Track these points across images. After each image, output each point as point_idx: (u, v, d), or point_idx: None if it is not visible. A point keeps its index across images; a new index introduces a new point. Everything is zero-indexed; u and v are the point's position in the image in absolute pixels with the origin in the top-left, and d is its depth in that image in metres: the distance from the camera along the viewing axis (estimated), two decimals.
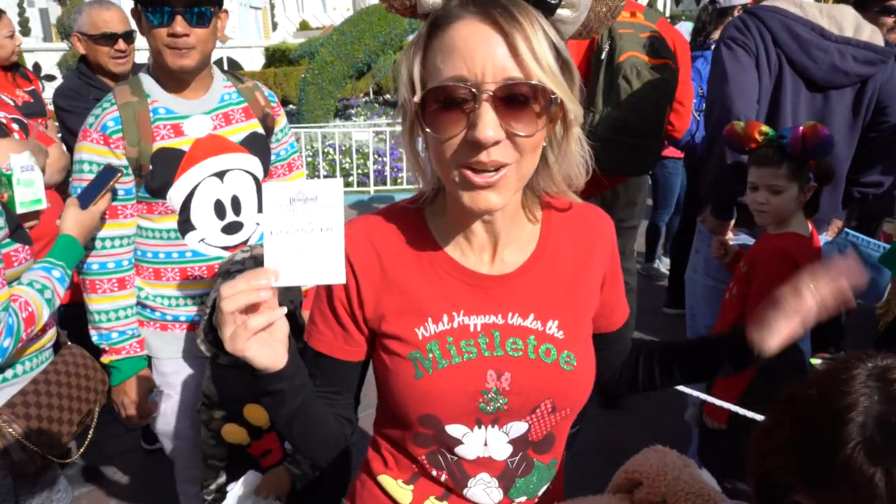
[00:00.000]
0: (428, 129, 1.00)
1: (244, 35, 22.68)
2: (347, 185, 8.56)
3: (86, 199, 1.97)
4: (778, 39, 2.67)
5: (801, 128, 2.31)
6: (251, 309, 0.96)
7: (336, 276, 0.98)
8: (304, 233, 0.97)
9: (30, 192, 2.03)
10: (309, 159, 8.81)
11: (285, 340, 1.02)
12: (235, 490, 1.99)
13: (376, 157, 8.80)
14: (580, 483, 1.37)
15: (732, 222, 2.86)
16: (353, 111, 11.87)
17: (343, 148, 8.88)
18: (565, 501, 1.28)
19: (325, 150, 8.99)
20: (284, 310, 0.99)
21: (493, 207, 1.02)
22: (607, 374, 1.35)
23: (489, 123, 0.94)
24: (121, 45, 3.31)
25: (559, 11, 1.01)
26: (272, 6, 27.78)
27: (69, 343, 2.05)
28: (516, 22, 0.94)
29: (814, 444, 0.84)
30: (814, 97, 2.73)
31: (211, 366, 2.17)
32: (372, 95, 14.39)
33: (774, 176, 2.38)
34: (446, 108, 0.97)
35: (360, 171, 8.78)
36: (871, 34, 2.68)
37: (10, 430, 1.75)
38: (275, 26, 27.13)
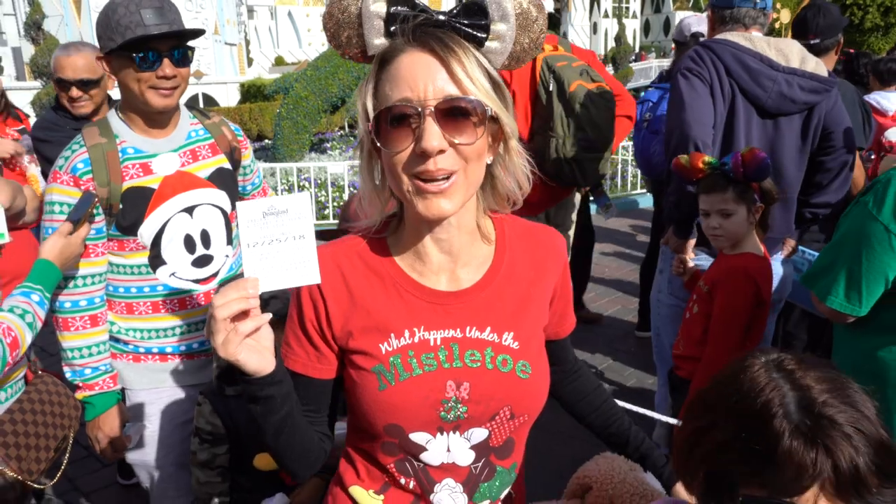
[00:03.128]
0: (382, 147, 1.11)
1: (220, 71, 22.80)
2: (323, 217, 8.64)
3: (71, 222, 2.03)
4: (730, 70, 2.85)
5: (740, 153, 2.43)
6: (240, 316, 1.04)
7: (311, 277, 1.08)
8: (279, 242, 1.07)
9: None
10: (285, 193, 8.88)
11: (271, 346, 1.10)
12: None
13: (351, 189, 8.90)
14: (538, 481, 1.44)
15: (693, 241, 2.99)
16: (328, 145, 11.98)
17: (319, 181, 8.97)
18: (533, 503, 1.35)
19: (301, 183, 9.07)
20: (269, 315, 1.07)
21: (444, 213, 1.12)
22: (553, 370, 1.42)
23: (433, 135, 1.06)
24: (73, 92, 3.34)
25: (488, 44, 1.14)
26: (247, 42, 28.04)
27: (40, 372, 2.10)
28: (451, 50, 1.08)
29: (752, 441, 0.90)
30: (765, 123, 2.90)
31: (214, 400, 2.18)
32: (347, 129, 14.55)
33: (723, 201, 2.50)
34: (396, 125, 1.09)
35: (335, 204, 8.86)
36: (815, 66, 2.87)
37: None
38: (250, 62, 27.35)
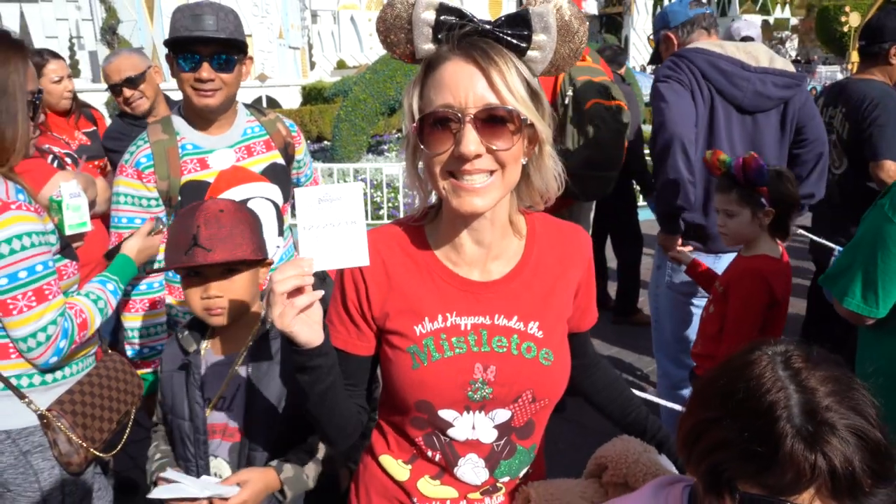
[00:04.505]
0: (423, 148, 1.21)
1: (283, 74, 23.35)
2: (378, 217, 8.81)
3: None
4: (706, 74, 3.06)
5: (742, 158, 2.51)
6: (295, 292, 1.16)
7: (361, 259, 1.19)
8: (333, 227, 1.17)
9: (77, 216, 2.27)
10: None
11: (321, 321, 1.21)
12: None
13: (406, 190, 9.04)
14: (564, 472, 1.52)
15: (680, 238, 3.17)
16: (385, 147, 12.18)
17: (375, 182, 9.15)
18: (544, 481, 1.43)
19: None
20: (321, 293, 1.18)
21: (477, 210, 1.21)
22: (574, 363, 1.49)
23: (471, 140, 1.15)
24: (125, 93, 3.54)
25: (529, 53, 1.22)
26: (310, 46, 28.62)
27: (109, 351, 2.27)
28: (492, 61, 1.16)
29: (754, 440, 0.94)
30: (744, 120, 3.11)
31: None
32: (403, 131, 14.71)
33: (727, 201, 2.58)
34: (438, 129, 1.19)
35: (390, 205, 9.02)
36: (783, 64, 3.07)
37: (59, 423, 1.97)
38: (312, 65, 27.90)
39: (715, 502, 1.03)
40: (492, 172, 1.20)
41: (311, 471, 1.80)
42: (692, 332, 3.32)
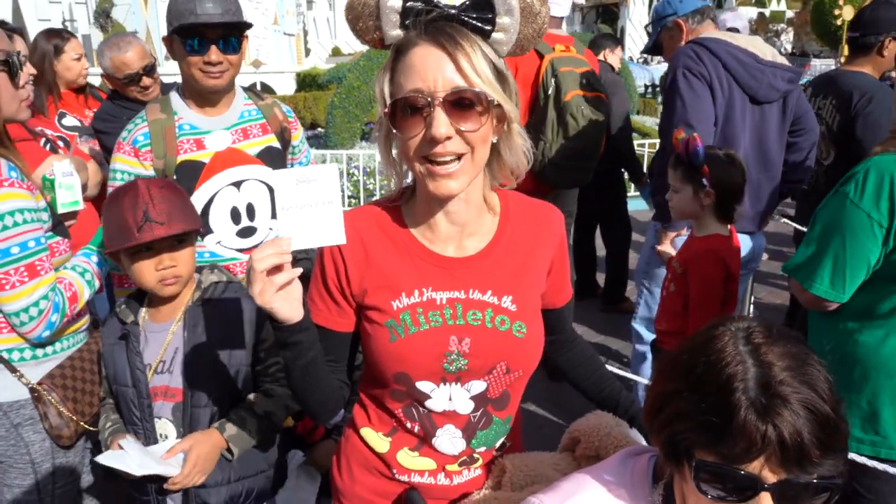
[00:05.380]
0: (396, 132, 1.25)
1: (278, 61, 23.25)
2: None
3: None
4: (727, 65, 3.11)
5: (687, 137, 2.60)
6: (274, 270, 1.20)
7: (338, 238, 1.23)
8: (310, 207, 1.22)
9: (69, 195, 2.31)
10: None
11: (300, 298, 1.26)
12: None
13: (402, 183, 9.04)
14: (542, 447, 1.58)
15: (672, 234, 3.30)
16: (378, 134, 12.16)
17: (368, 169, 9.17)
18: (519, 453, 1.48)
19: (351, 170, 9.28)
20: (300, 270, 1.23)
21: (452, 193, 1.27)
22: (549, 340, 1.55)
23: (441, 122, 1.20)
24: (144, 81, 3.58)
25: (494, 35, 1.27)
26: (306, 33, 28.50)
27: (100, 327, 2.31)
28: (459, 45, 1.21)
29: (710, 411, 0.98)
30: (753, 111, 3.20)
31: None
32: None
33: (672, 177, 2.72)
34: (409, 114, 1.23)
35: (383, 192, 9.04)
36: (782, 59, 3.19)
37: (50, 397, 2.02)
38: (308, 52, 27.78)
39: (674, 470, 1.08)
40: (461, 157, 1.24)
41: (252, 426, 1.90)
42: None
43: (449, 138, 1.21)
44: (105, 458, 1.77)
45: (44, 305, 1.94)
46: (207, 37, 2.24)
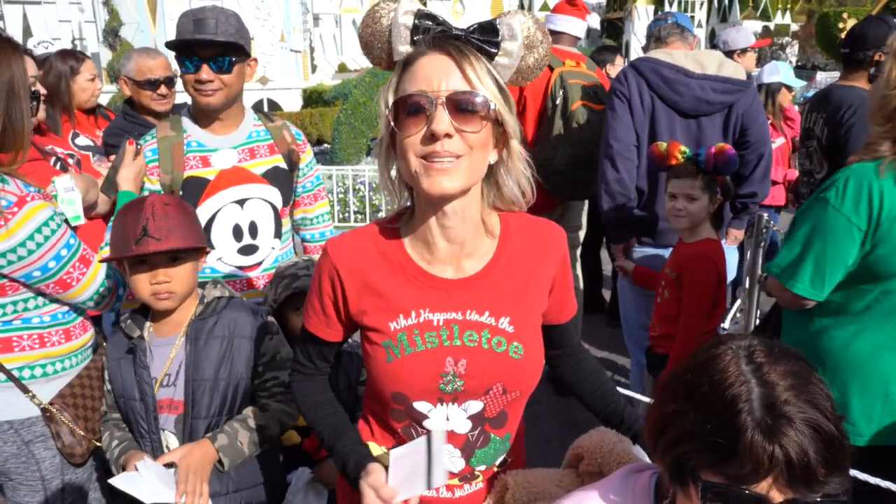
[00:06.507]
0: (397, 131, 1.27)
1: (284, 77, 23.39)
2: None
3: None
4: (650, 83, 3.29)
5: (713, 148, 2.71)
6: None
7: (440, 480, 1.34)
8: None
9: (71, 210, 2.37)
10: (341, 195, 9.15)
11: None
12: (292, 484, 2.24)
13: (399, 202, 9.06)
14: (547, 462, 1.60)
15: (623, 246, 3.48)
16: (378, 151, 12.20)
17: (374, 185, 9.21)
18: (522, 470, 1.50)
19: (357, 186, 9.33)
20: None
21: (446, 191, 1.27)
22: (554, 354, 1.59)
23: (443, 120, 1.23)
24: (162, 89, 3.69)
25: (497, 59, 1.31)
26: (312, 49, 28.66)
27: (105, 343, 2.34)
28: (465, 55, 1.26)
29: (716, 433, 0.99)
30: (689, 124, 3.32)
31: None
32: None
33: (691, 186, 2.80)
34: (412, 114, 1.26)
35: (389, 207, 9.07)
36: (733, 71, 3.27)
37: (62, 416, 2.04)
38: (314, 69, 27.92)
39: (680, 490, 1.08)
40: (459, 157, 1.26)
41: (244, 438, 1.94)
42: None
43: (449, 136, 1.23)
44: (119, 482, 1.79)
45: (110, 284, 2.11)
46: (200, 56, 2.29)
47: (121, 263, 1.96)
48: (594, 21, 4.07)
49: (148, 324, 2.02)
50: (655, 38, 3.67)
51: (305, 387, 1.57)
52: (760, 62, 8.24)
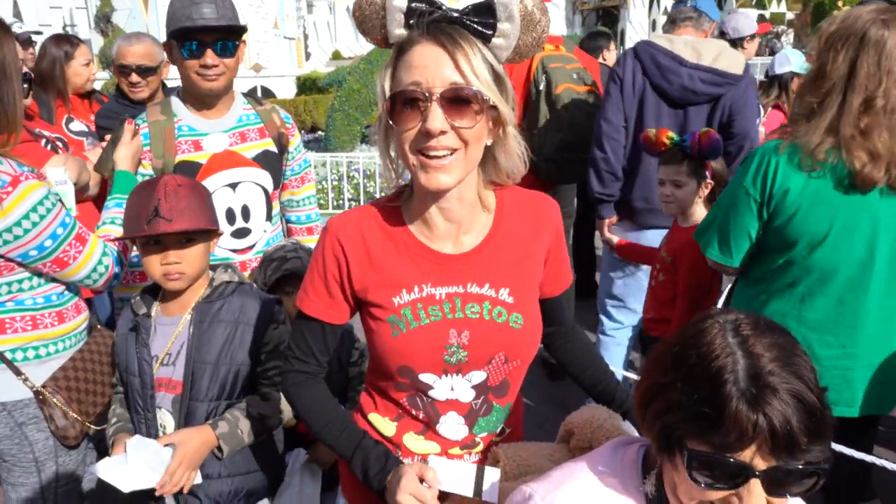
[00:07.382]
0: (393, 124, 1.29)
1: (278, 64, 23.29)
2: None
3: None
4: (645, 67, 3.33)
5: (697, 133, 2.74)
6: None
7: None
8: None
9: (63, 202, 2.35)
10: (335, 183, 9.14)
11: None
12: (289, 466, 2.25)
13: (401, 181, 9.06)
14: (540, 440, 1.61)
15: (607, 221, 3.56)
16: (378, 129, 12.17)
17: (368, 172, 9.21)
18: (514, 443, 1.52)
19: (351, 173, 9.32)
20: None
21: (442, 186, 1.30)
22: (548, 332, 1.61)
23: (436, 117, 1.24)
24: (133, 78, 3.64)
25: (494, 40, 1.31)
26: (306, 36, 28.53)
27: (99, 326, 2.35)
28: (459, 45, 1.25)
29: (703, 403, 1.01)
30: (676, 112, 3.36)
31: None
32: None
33: (677, 172, 2.81)
34: (407, 107, 1.27)
35: (383, 194, 9.05)
36: (729, 63, 3.25)
37: (55, 399, 2.05)
38: (308, 56, 27.81)
39: (667, 460, 1.10)
40: (454, 151, 1.27)
41: (244, 426, 1.94)
42: (623, 292, 3.75)
43: (443, 133, 1.25)
44: (100, 470, 1.80)
45: (106, 262, 2.11)
46: (203, 40, 2.28)
47: (133, 242, 1.95)
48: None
49: (156, 303, 2.03)
50: (671, 20, 3.70)
51: (306, 394, 1.52)
52: (758, 51, 8.24)
